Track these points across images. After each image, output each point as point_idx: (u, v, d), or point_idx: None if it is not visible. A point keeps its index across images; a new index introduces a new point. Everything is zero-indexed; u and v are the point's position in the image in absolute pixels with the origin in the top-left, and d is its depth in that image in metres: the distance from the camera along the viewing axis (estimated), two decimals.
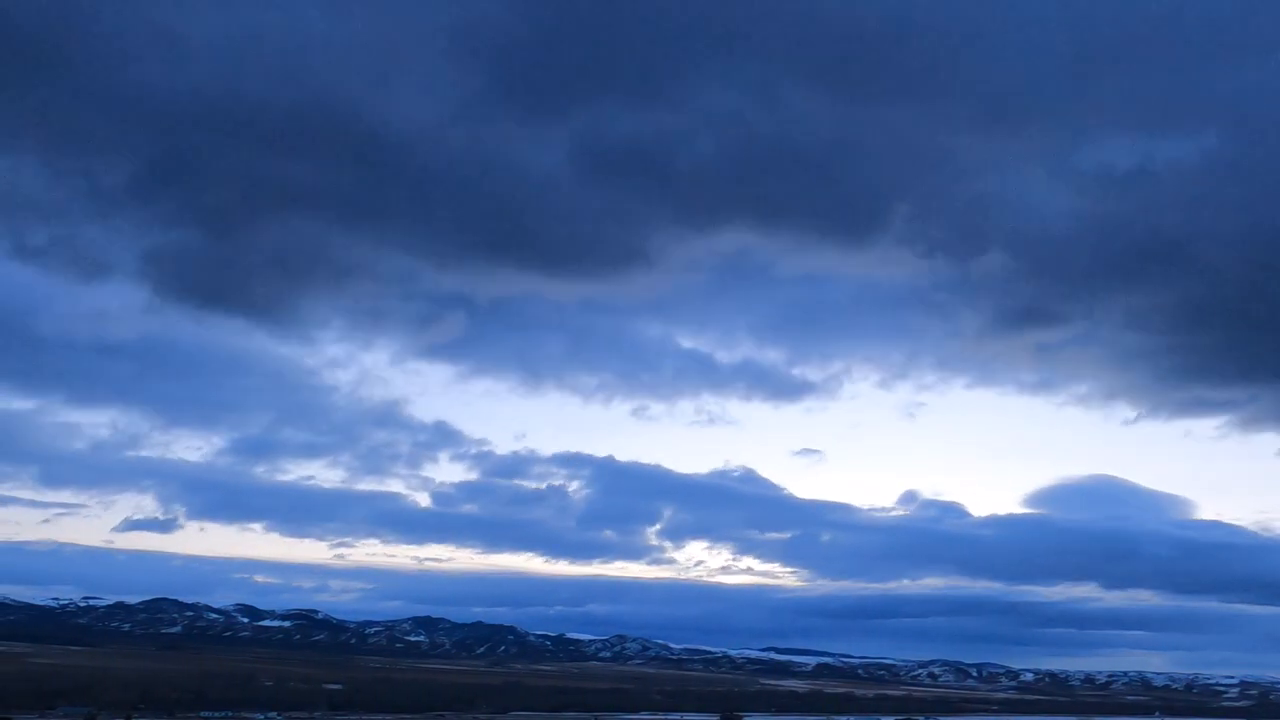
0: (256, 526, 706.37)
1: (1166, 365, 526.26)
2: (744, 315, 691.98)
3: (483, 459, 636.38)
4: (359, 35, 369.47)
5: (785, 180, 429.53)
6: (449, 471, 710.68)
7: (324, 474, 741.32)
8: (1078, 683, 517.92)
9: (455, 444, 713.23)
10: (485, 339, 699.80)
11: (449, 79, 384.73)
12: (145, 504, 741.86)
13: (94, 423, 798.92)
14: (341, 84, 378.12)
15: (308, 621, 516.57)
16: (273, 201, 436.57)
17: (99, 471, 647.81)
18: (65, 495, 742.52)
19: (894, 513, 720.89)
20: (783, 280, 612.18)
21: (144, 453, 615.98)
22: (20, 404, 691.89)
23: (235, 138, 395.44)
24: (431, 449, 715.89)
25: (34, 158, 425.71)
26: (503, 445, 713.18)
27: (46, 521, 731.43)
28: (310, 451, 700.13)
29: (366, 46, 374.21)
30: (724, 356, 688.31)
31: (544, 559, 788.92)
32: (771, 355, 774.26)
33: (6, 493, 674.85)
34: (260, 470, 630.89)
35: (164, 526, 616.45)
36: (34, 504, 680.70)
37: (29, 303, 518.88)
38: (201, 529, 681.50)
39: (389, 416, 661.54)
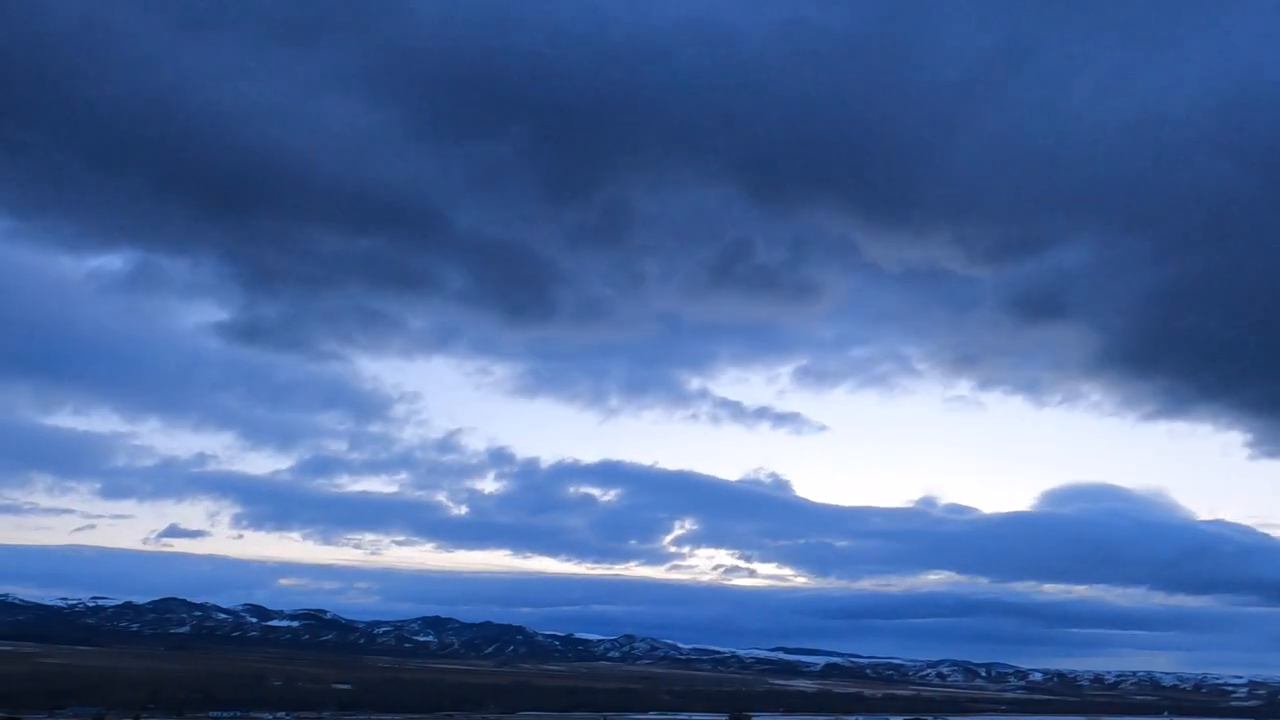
0: (295, 534, 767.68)
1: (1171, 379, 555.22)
2: (759, 356, 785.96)
3: (526, 473, 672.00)
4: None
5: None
6: (492, 484, 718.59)
7: (379, 487, 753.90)
8: (1086, 683, 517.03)
9: (502, 460, 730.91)
10: (536, 375, 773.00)
11: (492, 186, 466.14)
12: (193, 513, 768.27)
13: (177, 444, 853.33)
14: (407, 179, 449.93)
15: (316, 621, 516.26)
16: (355, 267, 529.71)
17: (164, 484, 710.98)
18: (124, 507, 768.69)
19: (903, 515, 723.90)
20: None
21: (212, 468, 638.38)
22: (115, 427, 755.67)
23: (317, 214, 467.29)
24: (482, 466, 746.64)
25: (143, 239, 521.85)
26: (545, 460, 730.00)
27: (92, 528, 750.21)
28: (371, 469, 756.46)
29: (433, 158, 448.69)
30: (739, 381, 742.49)
31: (554, 560, 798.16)
32: (785, 382, 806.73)
33: (67, 505, 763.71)
34: (316, 484, 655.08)
35: (197, 534, 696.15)
36: (86, 515, 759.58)
37: (142, 346, 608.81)
38: (240, 536, 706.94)
39: (448, 438, 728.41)
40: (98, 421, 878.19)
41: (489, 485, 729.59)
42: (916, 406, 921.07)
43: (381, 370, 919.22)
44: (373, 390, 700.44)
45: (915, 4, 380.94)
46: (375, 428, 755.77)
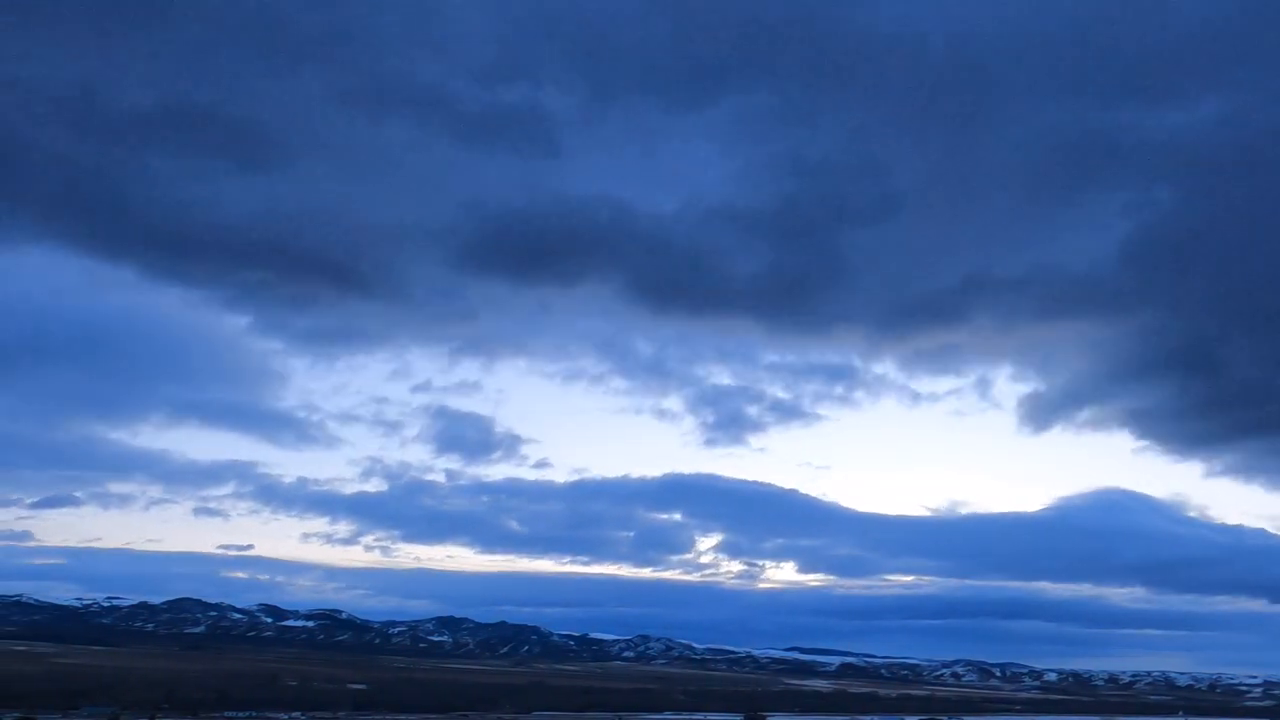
0: (358, 547, 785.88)
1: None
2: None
3: (581, 486, 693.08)
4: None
5: None
6: (542, 495, 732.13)
7: (449, 503, 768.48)
8: (1101, 682, 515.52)
9: (564, 475, 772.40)
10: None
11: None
12: (264, 527, 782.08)
13: (289, 472, 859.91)
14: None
15: (331, 621, 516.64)
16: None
17: (260, 504, 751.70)
18: (213, 521, 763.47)
19: (918, 516, 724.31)
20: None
21: (312, 490, 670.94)
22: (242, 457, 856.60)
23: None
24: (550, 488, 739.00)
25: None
26: (608, 475, 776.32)
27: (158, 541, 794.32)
28: (456, 493, 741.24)
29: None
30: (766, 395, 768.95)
31: (568, 561, 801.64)
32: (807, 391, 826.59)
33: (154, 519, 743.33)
34: (392, 498, 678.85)
35: (245, 544, 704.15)
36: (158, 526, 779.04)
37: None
38: (302, 546, 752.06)
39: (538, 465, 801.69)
40: (225, 452, 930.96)
41: (552, 502, 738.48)
42: (930, 416, 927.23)
43: (495, 408, 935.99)
44: (481, 427, 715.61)
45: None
46: (475, 460, 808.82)
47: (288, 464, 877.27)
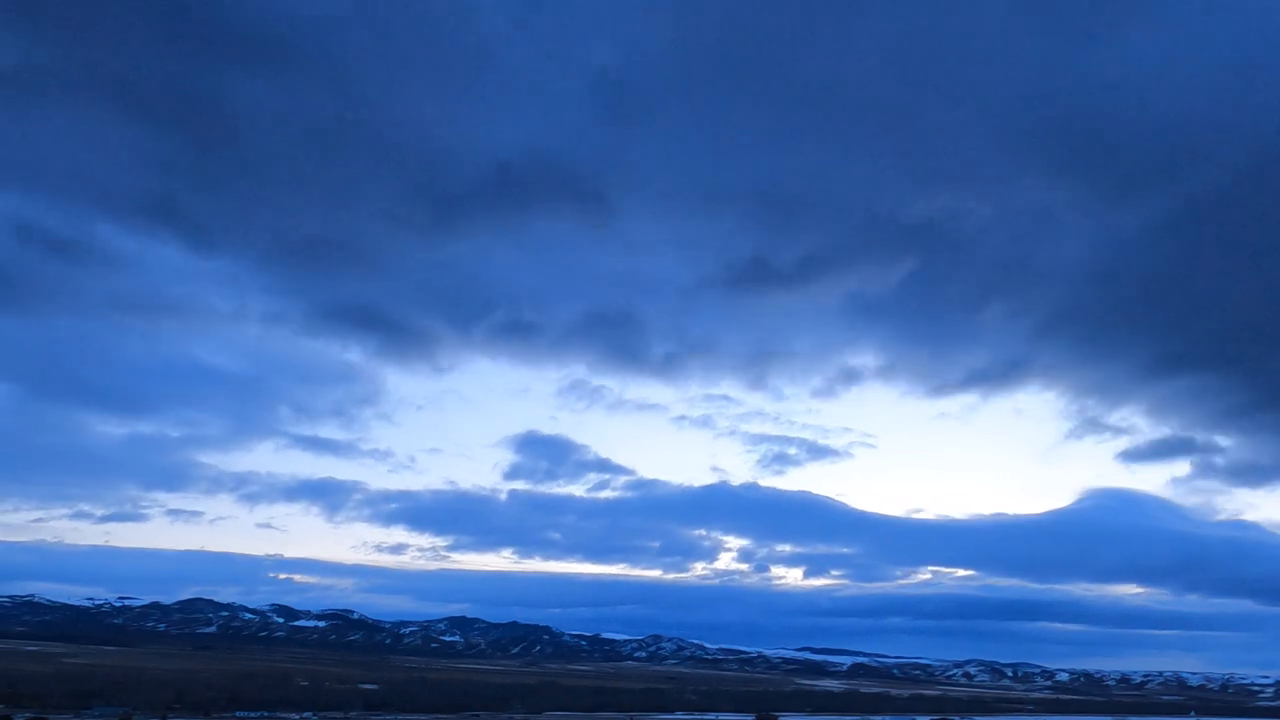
0: (406, 556, 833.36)
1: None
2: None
3: (626, 502, 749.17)
4: None
5: None
6: (589, 510, 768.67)
7: (504, 517, 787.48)
8: (1113, 682, 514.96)
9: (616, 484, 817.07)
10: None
11: None
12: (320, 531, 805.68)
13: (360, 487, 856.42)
14: None
15: (343, 621, 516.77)
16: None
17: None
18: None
19: (929, 518, 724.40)
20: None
21: (390, 505, 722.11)
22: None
23: None
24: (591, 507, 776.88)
25: None
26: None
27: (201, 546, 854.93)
28: (512, 507, 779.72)
29: None
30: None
31: (580, 561, 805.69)
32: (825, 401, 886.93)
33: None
34: (450, 512, 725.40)
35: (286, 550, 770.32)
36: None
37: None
38: (348, 553, 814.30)
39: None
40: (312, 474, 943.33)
41: (598, 517, 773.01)
42: (941, 415, 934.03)
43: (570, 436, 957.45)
44: (552, 457, 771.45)
45: None
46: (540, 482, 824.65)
47: (365, 484, 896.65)
